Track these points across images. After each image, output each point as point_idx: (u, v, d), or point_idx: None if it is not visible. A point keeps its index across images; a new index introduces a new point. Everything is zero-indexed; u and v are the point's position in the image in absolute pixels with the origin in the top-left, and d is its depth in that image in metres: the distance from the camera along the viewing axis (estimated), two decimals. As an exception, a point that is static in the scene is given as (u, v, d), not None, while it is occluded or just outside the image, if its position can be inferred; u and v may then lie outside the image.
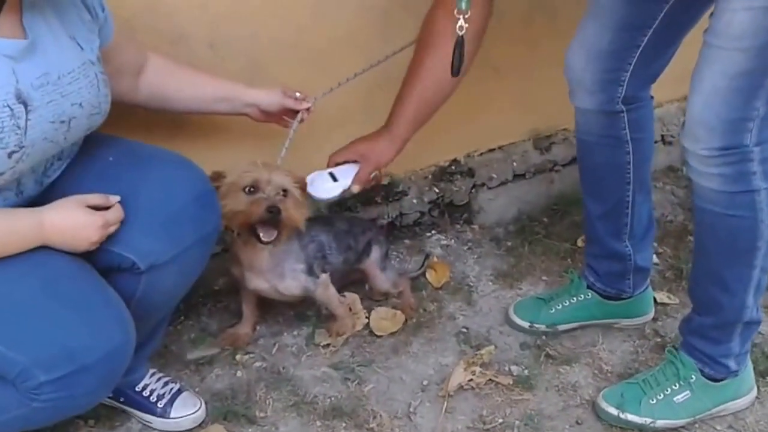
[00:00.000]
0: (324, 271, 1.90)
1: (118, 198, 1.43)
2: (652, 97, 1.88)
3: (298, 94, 1.80)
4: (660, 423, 1.74)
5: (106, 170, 1.48)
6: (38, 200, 1.42)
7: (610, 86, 1.77)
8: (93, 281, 1.38)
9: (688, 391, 1.75)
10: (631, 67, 1.75)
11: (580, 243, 2.38)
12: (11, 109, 1.25)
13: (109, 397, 1.71)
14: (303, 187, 1.75)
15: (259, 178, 1.67)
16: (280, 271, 1.82)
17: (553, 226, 2.47)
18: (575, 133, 1.92)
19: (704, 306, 1.73)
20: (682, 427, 1.77)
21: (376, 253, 2.06)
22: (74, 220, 1.35)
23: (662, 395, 1.75)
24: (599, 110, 1.81)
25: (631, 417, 1.75)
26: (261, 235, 1.67)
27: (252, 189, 1.66)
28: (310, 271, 1.86)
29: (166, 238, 1.45)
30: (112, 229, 1.40)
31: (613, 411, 1.76)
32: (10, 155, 1.27)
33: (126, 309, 1.39)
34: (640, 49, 1.73)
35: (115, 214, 1.40)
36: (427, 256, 2.25)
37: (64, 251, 1.36)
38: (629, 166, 1.87)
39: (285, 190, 1.69)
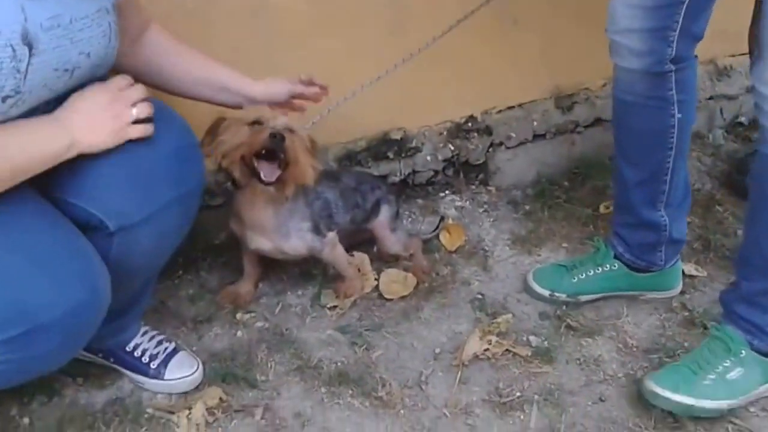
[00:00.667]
0: (330, 230, 1.76)
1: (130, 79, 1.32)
2: (696, 57, 1.73)
3: (302, 76, 1.64)
4: (720, 403, 1.61)
5: None
6: None
7: (659, 45, 1.62)
8: (60, 231, 1.22)
9: (740, 367, 1.62)
10: (678, 24, 1.60)
11: (602, 209, 2.25)
12: (14, 50, 1.11)
13: (99, 357, 1.59)
14: (314, 146, 1.61)
15: (264, 114, 1.53)
16: (284, 231, 1.68)
17: (574, 190, 2.33)
18: (614, 92, 1.76)
19: (758, 268, 1.60)
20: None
21: (385, 212, 1.92)
22: (92, 97, 1.25)
23: (714, 374, 1.62)
24: (646, 71, 1.66)
25: (688, 400, 1.60)
26: (262, 173, 1.51)
27: (256, 123, 1.53)
28: (317, 230, 1.72)
29: (139, 196, 1.30)
30: (136, 112, 1.28)
31: (669, 395, 1.61)
32: (4, 100, 1.13)
33: (99, 264, 1.24)
34: (685, 4, 1.58)
35: (137, 91, 1.30)
36: (442, 219, 2.11)
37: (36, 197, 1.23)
38: (673, 129, 1.72)
39: (293, 131, 1.55)
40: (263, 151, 1.51)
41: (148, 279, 1.54)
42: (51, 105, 1.25)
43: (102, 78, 1.32)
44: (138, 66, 1.47)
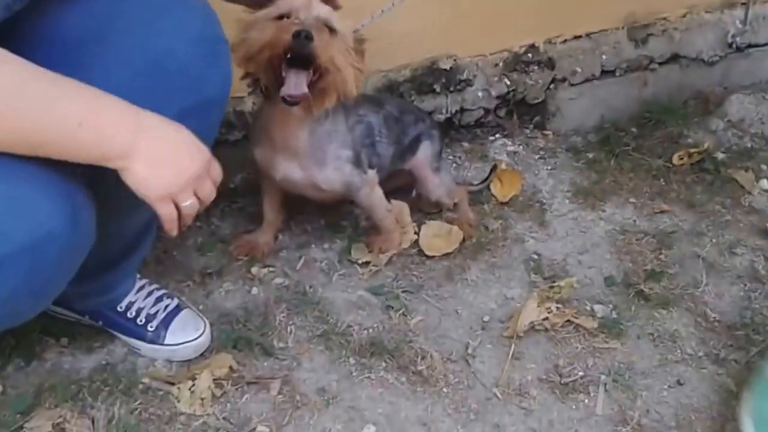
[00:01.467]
0: (371, 166, 1.48)
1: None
2: None
3: None
4: None
5: None
6: None
7: None
8: None
9: None
10: None
11: (676, 160, 1.96)
12: None
13: (84, 318, 1.35)
14: (361, 46, 1.32)
15: (295, 4, 1.24)
16: (320, 156, 1.39)
17: (643, 138, 2.03)
18: None
19: None
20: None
21: (426, 149, 1.64)
22: (185, 138, 0.97)
23: None
24: None
25: None
26: (286, 79, 1.22)
27: (284, 17, 1.24)
28: (357, 162, 1.44)
29: (143, 99, 0.97)
30: (207, 189, 1.01)
31: None
32: None
33: (80, 187, 0.96)
34: None
35: (217, 168, 1.03)
36: (495, 167, 1.82)
37: None
38: None
39: (331, 29, 1.26)
40: (288, 55, 1.22)
41: (148, 221, 1.26)
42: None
43: None
44: None
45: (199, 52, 1.01)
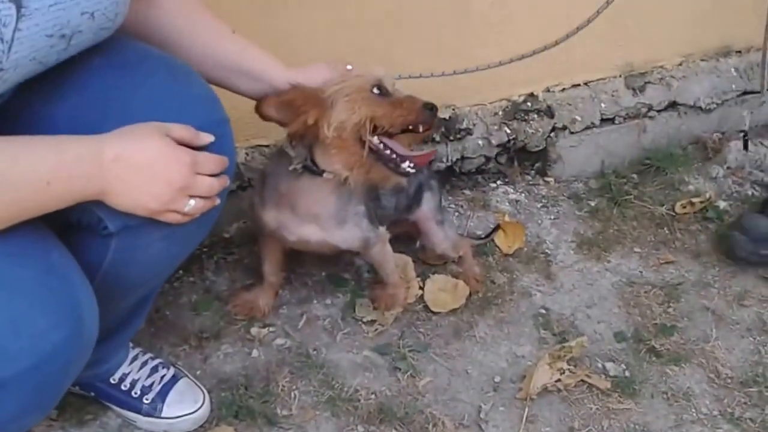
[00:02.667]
0: (377, 217, 1.43)
1: (210, 138, 0.97)
2: None
3: (349, 67, 1.25)
4: None
5: (71, 75, 0.97)
6: None
7: None
8: (26, 239, 0.87)
9: None
10: None
11: (678, 209, 1.93)
12: None
13: (75, 388, 1.26)
14: None
15: (381, 77, 1.20)
16: (342, 217, 1.34)
17: (644, 185, 2.01)
18: None
19: None
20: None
21: (429, 201, 1.59)
22: (152, 152, 0.90)
23: None
24: None
25: None
26: (405, 162, 1.18)
27: (380, 89, 1.20)
28: (370, 217, 1.39)
29: None
30: (203, 187, 0.95)
31: None
32: None
33: (83, 284, 0.90)
34: None
35: (210, 162, 0.96)
36: (498, 227, 1.78)
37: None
38: None
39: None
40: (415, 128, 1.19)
41: (145, 297, 1.20)
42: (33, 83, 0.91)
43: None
44: (138, 33, 1.10)
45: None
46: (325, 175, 1.25)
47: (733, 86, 2.11)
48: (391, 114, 1.16)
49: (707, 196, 1.95)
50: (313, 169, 1.25)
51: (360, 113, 1.16)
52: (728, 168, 2.09)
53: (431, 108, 1.18)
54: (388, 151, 1.19)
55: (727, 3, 2.03)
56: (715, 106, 2.10)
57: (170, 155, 0.91)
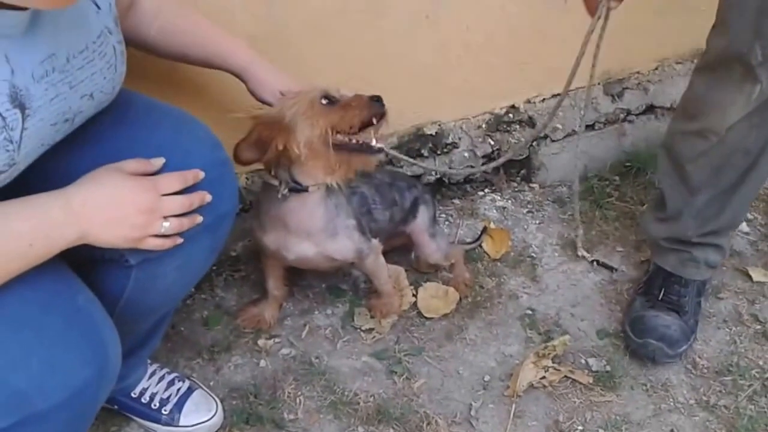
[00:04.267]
0: (371, 231, 1.55)
1: (162, 161, 1.05)
2: None
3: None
4: None
5: (86, 133, 1.07)
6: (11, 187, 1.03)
7: None
8: (54, 285, 0.98)
9: None
10: None
11: (659, 208, 2.03)
12: (3, 119, 0.87)
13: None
14: None
15: (327, 88, 1.32)
16: (332, 229, 1.46)
17: (625, 186, 2.11)
18: None
19: None
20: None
21: (423, 214, 1.71)
22: (114, 188, 0.98)
23: None
24: None
25: None
26: (372, 140, 1.30)
27: (327, 98, 1.31)
28: (362, 229, 1.51)
29: None
30: (171, 205, 1.02)
31: None
32: None
33: (106, 323, 1.01)
34: None
35: (168, 181, 1.03)
36: (485, 229, 1.89)
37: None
38: None
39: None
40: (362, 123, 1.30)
41: (162, 317, 1.33)
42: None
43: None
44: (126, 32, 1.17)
45: (210, 177, 1.08)
46: (310, 189, 1.37)
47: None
48: (345, 116, 1.28)
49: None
50: (298, 188, 1.37)
51: (319, 125, 1.28)
52: (705, 166, 2.19)
53: (377, 99, 1.29)
54: (354, 141, 1.31)
55: (698, 6, 2.12)
56: (690, 107, 2.20)
57: (130, 185, 0.99)
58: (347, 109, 1.30)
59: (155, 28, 1.25)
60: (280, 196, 1.36)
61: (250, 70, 1.30)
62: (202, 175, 1.06)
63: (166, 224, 1.01)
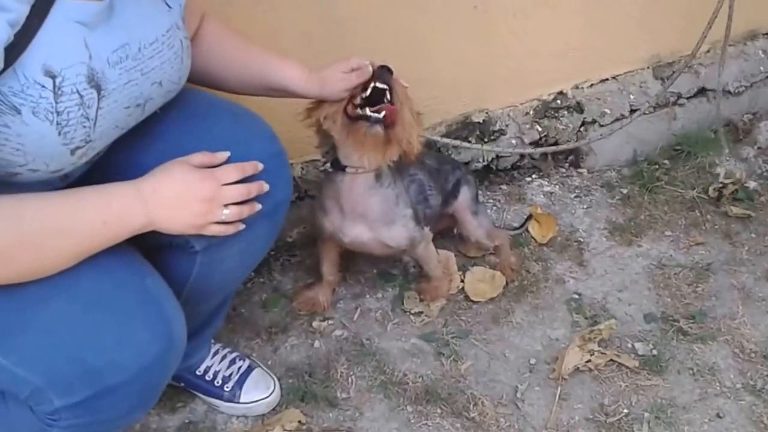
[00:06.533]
0: (425, 217, 1.61)
1: (226, 154, 1.13)
2: None
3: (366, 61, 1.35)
4: None
5: (153, 127, 1.16)
6: (83, 180, 1.14)
7: None
8: (125, 268, 1.07)
9: None
10: None
11: (711, 192, 2.02)
12: (81, 97, 0.95)
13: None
14: (419, 115, 1.44)
15: (360, 61, 1.35)
16: (389, 218, 1.51)
17: (675, 170, 2.10)
18: None
19: None
20: None
21: (465, 193, 1.76)
22: (179, 179, 1.06)
23: None
24: None
25: None
26: (368, 109, 1.31)
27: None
28: (417, 219, 1.56)
29: None
30: (231, 193, 1.10)
31: None
32: (73, 152, 0.99)
33: (173, 303, 1.09)
34: None
35: (227, 172, 1.11)
36: (530, 217, 1.92)
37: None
38: None
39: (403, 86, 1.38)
40: (368, 95, 1.32)
41: (224, 299, 1.42)
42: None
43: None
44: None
45: (267, 168, 1.15)
46: (347, 170, 1.43)
47: (761, 68, 2.17)
48: (356, 88, 1.32)
49: (737, 176, 2.03)
50: (337, 166, 1.44)
51: (338, 97, 1.34)
52: (759, 148, 2.17)
53: (382, 66, 1.31)
54: (357, 112, 1.33)
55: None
56: (743, 88, 2.17)
57: (193, 177, 1.07)
58: (360, 82, 1.33)
59: (213, 62, 1.30)
60: (321, 169, 1.43)
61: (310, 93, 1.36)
62: (261, 166, 1.14)
63: (226, 211, 1.09)
